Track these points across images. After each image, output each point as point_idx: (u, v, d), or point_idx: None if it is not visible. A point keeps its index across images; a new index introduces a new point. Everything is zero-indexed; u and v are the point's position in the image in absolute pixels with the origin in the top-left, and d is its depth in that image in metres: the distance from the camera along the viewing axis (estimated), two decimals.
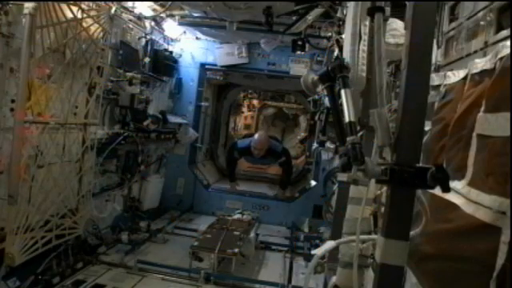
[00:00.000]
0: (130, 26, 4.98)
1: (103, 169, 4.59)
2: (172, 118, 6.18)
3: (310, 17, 4.25)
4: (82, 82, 3.78)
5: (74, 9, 3.39)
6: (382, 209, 1.99)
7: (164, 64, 5.77)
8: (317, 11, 4.11)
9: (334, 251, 2.17)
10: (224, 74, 6.93)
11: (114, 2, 4.22)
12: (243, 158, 7.19)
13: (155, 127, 5.34)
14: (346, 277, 2.10)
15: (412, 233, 1.33)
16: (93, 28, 3.72)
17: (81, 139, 3.87)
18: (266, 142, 6.69)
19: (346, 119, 1.28)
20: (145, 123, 5.05)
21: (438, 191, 1.13)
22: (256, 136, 6.86)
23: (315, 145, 5.86)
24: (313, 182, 6.73)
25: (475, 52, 1.69)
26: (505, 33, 1.44)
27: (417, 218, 1.40)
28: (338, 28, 3.46)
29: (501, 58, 1.31)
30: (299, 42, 5.09)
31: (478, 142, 1.39)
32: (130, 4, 4.79)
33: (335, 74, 1.37)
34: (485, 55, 1.56)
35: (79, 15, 3.46)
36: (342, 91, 1.34)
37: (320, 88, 1.49)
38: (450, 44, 2.07)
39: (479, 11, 1.68)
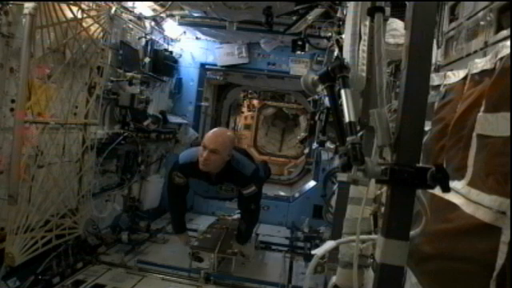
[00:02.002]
0: (130, 26, 4.98)
1: (103, 169, 4.59)
2: (172, 118, 6.18)
3: (310, 17, 4.26)
4: (82, 82, 3.78)
5: (74, 9, 3.39)
6: (382, 209, 1.99)
7: (164, 64, 5.77)
8: (317, 11, 4.11)
9: (334, 251, 2.17)
10: (224, 74, 6.92)
11: (114, 2, 4.22)
12: (191, 184, 3.92)
13: (155, 127, 5.34)
14: (346, 277, 2.10)
15: (412, 233, 1.33)
16: (93, 28, 3.72)
17: (81, 139, 3.88)
18: (224, 145, 3.41)
19: (346, 119, 1.28)
20: (145, 123, 5.05)
21: (438, 191, 1.13)
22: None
23: (315, 145, 5.86)
24: (313, 182, 6.73)
25: (475, 52, 1.69)
26: (505, 33, 1.44)
27: (417, 218, 1.40)
28: (337, 28, 3.46)
29: (501, 58, 1.31)
30: (299, 42, 5.08)
31: (478, 142, 1.39)
32: (130, 4, 4.79)
33: (335, 74, 1.36)
34: (485, 55, 1.56)
35: (79, 15, 3.46)
36: (342, 91, 1.33)
37: (320, 88, 1.49)
38: (449, 44, 2.07)
39: (479, 11, 1.68)
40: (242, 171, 3.58)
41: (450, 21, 2.08)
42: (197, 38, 6.56)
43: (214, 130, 3.62)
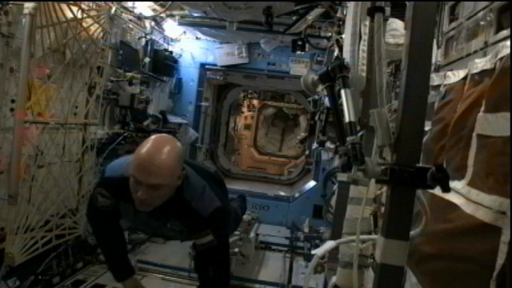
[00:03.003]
0: (130, 25, 4.98)
1: (103, 169, 4.59)
2: (172, 118, 6.18)
3: (310, 17, 4.26)
4: (82, 82, 3.78)
5: (74, 9, 3.39)
6: (382, 209, 1.99)
7: (164, 64, 5.77)
8: (317, 11, 4.11)
9: (334, 251, 2.17)
10: (224, 74, 6.93)
11: (114, 2, 4.22)
12: (122, 212, 2.24)
13: (155, 127, 5.34)
14: (346, 277, 2.10)
15: (412, 233, 1.33)
16: (93, 28, 3.72)
17: (81, 139, 3.88)
18: (171, 170, 1.83)
19: (346, 119, 1.28)
20: (145, 123, 5.05)
21: (438, 191, 1.13)
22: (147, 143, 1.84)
23: (315, 145, 5.86)
24: (313, 182, 6.73)
25: (475, 52, 1.69)
26: (505, 33, 1.44)
27: (417, 218, 1.40)
28: (338, 28, 3.46)
29: (501, 58, 1.31)
30: (299, 42, 5.09)
31: (477, 142, 1.39)
32: (130, 4, 4.79)
33: (335, 74, 1.36)
34: (485, 55, 1.56)
35: (79, 15, 3.46)
36: (342, 91, 1.33)
37: (320, 88, 1.49)
38: (449, 44, 2.07)
39: (479, 11, 1.68)
40: (196, 208, 2.04)
41: (450, 21, 2.08)
42: (197, 38, 6.56)
43: (149, 145, 1.82)
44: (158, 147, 1.82)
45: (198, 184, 2.12)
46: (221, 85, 7.77)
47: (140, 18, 5.19)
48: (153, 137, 1.87)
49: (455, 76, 1.77)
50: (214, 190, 2.15)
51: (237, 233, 4.68)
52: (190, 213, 2.05)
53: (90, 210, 2.37)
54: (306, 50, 5.24)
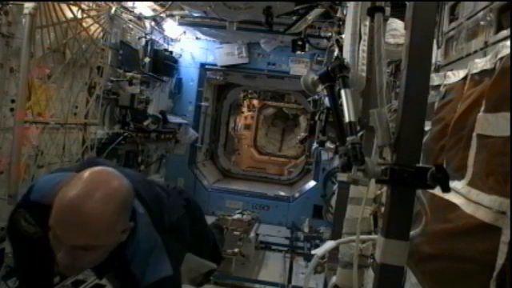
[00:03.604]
0: (130, 26, 4.98)
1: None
2: (172, 118, 6.19)
3: (310, 17, 4.26)
4: (82, 82, 3.79)
5: (74, 9, 3.39)
6: (382, 209, 1.99)
7: (164, 64, 5.78)
8: (317, 11, 4.12)
9: (334, 251, 2.17)
10: (224, 74, 6.93)
11: (114, 2, 4.22)
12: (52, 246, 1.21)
13: (155, 127, 5.34)
14: (346, 277, 2.10)
15: (412, 233, 1.33)
16: (93, 28, 3.73)
17: (81, 139, 3.88)
18: (108, 226, 1.18)
19: (346, 119, 1.28)
20: (145, 123, 5.05)
21: (438, 191, 1.13)
22: (79, 181, 1.18)
23: (315, 145, 5.86)
24: (313, 182, 6.73)
25: (475, 52, 1.69)
26: (505, 33, 1.44)
27: (417, 218, 1.40)
28: (338, 28, 3.46)
29: (501, 58, 1.31)
30: (299, 42, 5.09)
31: (477, 142, 1.39)
32: (130, 4, 4.80)
33: (335, 74, 1.36)
34: (485, 55, 1.56)
35: (79, 15, 3.46)
36: (342, 91, 1.33)
37: (320, 88, 1.49)
38: (449, 44, 2.07)
39: (479, 11, 1.68)
40: (134, 274, 1.41)
41: (450, 21, 2.08)
42: (197, 38, 6.56)
43: (78, 186, 1.17)
44: (90, 190, 1.18)
45: (148, 240, 1.47)
46: (221, 85, 7.77)
47: (140, 18, 5.19)
48: (88, 171, 1.23)
49: (455, 76, 1.77)
50: (169, 251, 1.48)
51: (237, 233, 4.69)
52: (126, 276, 1.44)
53: (11, 231, 1.57)
54: (306, 49, 5.24)
